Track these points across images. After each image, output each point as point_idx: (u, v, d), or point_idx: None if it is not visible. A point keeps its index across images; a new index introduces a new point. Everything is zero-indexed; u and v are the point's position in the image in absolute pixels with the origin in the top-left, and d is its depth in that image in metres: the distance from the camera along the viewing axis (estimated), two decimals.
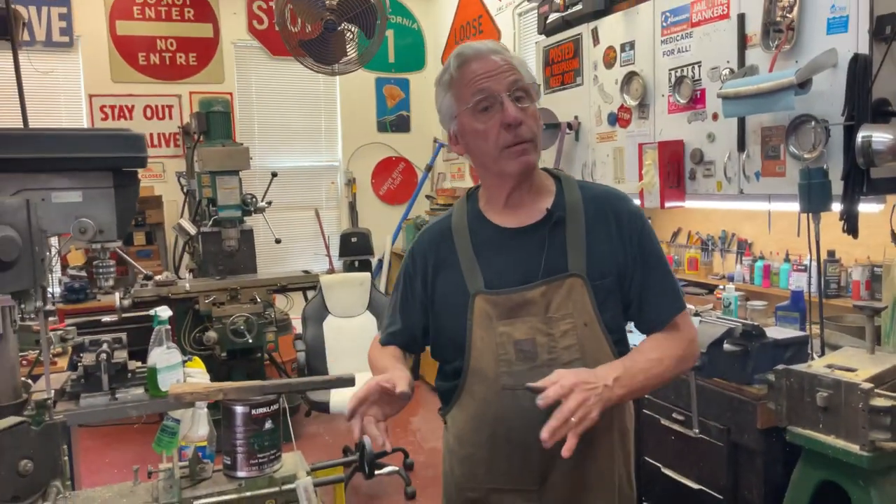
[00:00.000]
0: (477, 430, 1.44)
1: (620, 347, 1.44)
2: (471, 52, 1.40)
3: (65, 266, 5.22)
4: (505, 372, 1.39)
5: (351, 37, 3.88)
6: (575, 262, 1.40)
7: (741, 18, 2.59)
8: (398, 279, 1.60)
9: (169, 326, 2.29)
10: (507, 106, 1.35)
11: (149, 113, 6.08)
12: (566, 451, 1.18)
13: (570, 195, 1.47)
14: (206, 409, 2.25)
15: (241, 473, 1.74)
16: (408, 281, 1.56)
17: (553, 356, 1.37)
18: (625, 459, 1.48)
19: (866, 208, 2.33)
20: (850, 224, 2.22)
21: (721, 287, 3.13)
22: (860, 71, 2.15)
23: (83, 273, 5.10)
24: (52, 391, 2.18)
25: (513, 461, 1.41)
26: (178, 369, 2.27)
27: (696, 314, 2.90)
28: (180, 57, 6.13)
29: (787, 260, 2.99)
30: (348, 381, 1.76)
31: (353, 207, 6.72)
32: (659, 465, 2.58)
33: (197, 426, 2.27)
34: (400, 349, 1.60)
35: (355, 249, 6.03)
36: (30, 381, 2.07)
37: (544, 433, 1.19)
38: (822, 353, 2.20)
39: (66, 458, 1.42)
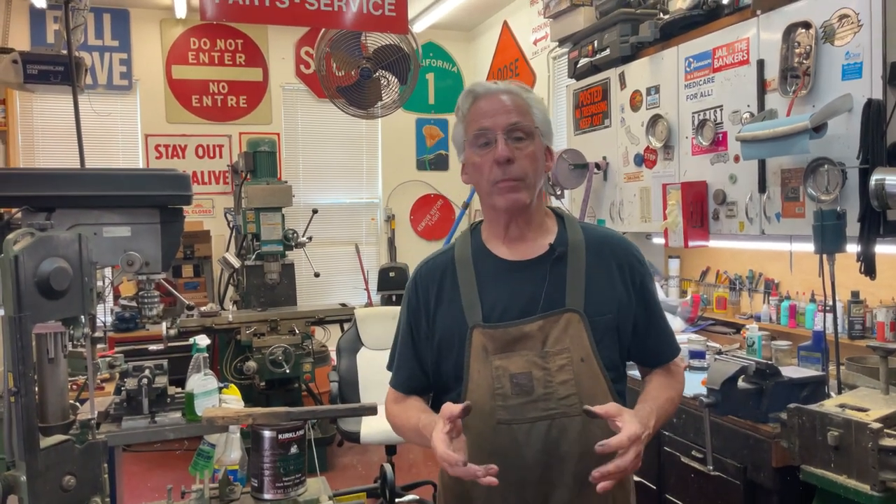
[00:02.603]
0: (474, 464, 1.40)
1: (618, 385, 1.47)
2: (481, 91, 1.48)
3: (117, 297, 5.47)
4: (500, 406, 1.41)
5: (386, 83, 4.08)
6: (573, 298, 1.44)
7: (760, 64, 2.66)
8: (401, 315, 1.60)
9: (206, 354, 2.42)
10: (498, 143, 1.42)
11: (200, 152, 6.37)
12: (601, 489, 1.24)
13: (572, 233, 1.52)
14: (238, 435, 2.37)
15: (267, 496, 1.83)
16: (412, 315, 1.56)
17: (549, 390, 1.40)
18: (623, 497, 1.50)
19: (886, 250, 2.35)
20: (867, 265, 2.24)
21: (748, 327, 3.13)
22: (874, 115, 2.19)
23: (134, 303, 5.32)
24: (96, 413, 2.33)
25: (508, 497, 1.41)
26: (213, 395, 2.39)
27: (721, 353, 2.93)
28: (231, 99, 6.43)
29: (812, 300, 2.99)
30: (371, 410, 1.84)
31: (391, 243, 6.89)
32: (679, 502, 2.58)
33: (230, 451, 2.39)
34: (421, 397, 1.60)
35: (394, 284, 6.15)
36: (78, 403, 2.22)
37: (596, 474, 1.23)
38: (840, 393, 2.20)
39: (107, 475, 1.51)
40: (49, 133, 5.86)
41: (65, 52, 3.14)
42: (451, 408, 1.30)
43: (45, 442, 1.28)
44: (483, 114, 1.45)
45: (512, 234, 1.51)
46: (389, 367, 1.65)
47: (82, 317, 1.39)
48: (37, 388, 1.80)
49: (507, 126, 1.43)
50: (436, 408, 1.54)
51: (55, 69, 3.35)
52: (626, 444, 1.24)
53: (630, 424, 1.26)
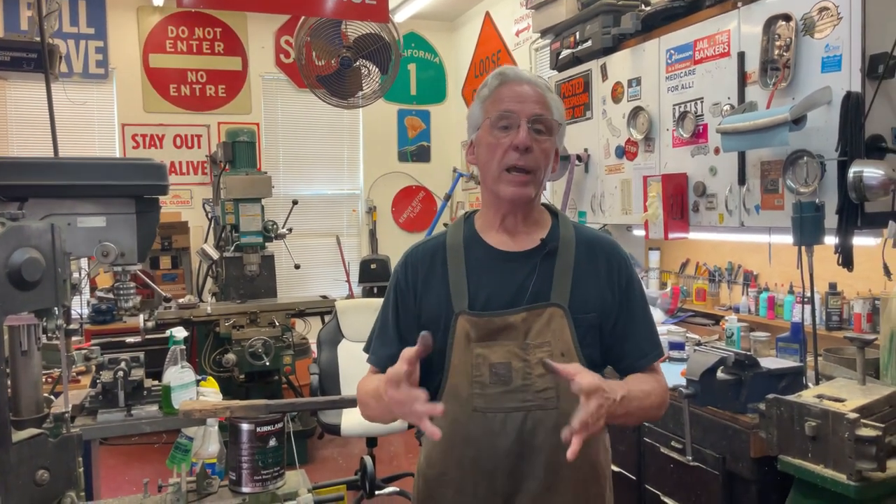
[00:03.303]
0: (446, 451, 1.46)
1: None
2: (511, 75, 1.48)
3: (93, 289, 5.40)
4: (478, 394, 1.41)
5: (367, 72, 4.05)
6: (559, 294, 1.44)
7: (741, 56, 2.67)
8: (388, 295, 1.59)
9: (184, 346, 2.39)
10: (521, 130, 1.42)
11: (178, 142, 6.30)
12: (571, 455, 1.21)
13: (564, 231, 1.52)
14: (216, 428, 2.34)
15: (245, 489, 1.81)
16: (399, 296, 1.55)
17: (527, 382, 1.40)
18: (597, 492, 1.49)
19: (863, 242, 2.37)
20: (845, 257, 2.26)
21: (727, 318, 3.16)
22: (853, 108, 2.20)
23: (110, 295, 5.25)
24: (71, 406, 2.29)
25: (479, 485, 1.43)
26: (191, 388, 2.36)
27: (700, 344, 2.95)
28: (210, 88, 6.35)
29: (790, 292, 3.02)
30: (350, 402, 1.83)
31: (373, 235, 6.86)
32: (659, 493, 2.60)
33: (208, 444, 2.36)
34: None
35: (375, 276, 6.14)
36: (52, 396, 2.18)
37: (566, 433, 1.21)
38: (818, 384, 2.23)
39: (81, 469, 1.49)
40: (23, 122, 5.76)
41: (38, 39, 3.07)
42: (407, 351, 1.29)
43: (18, 436, 1.26)
44: (510, 97, 1.45)
45: (507, 225, 1.51)
46: (367, 349, 1.63)
47: (56, 308, 1.36)
48: (9, 382, 1.77)
49: (533, 116, 1.44)
50: None
51: (28, 56, 3.28)
52: (583, 386, 1.23)
53: (588, 375, 1.26)
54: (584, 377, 1.26)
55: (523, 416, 1.40)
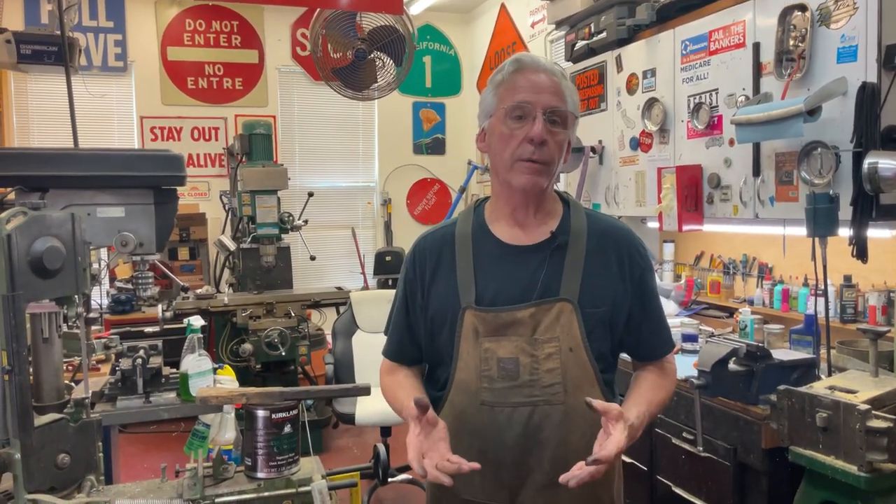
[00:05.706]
0: (455, 441, 1.44)
1: (606, 376, 1.47)
2: (528, 62, 1.44)
3: (113, 279, 5.48)
4: (486, 388, 1.43)
5: (381, 64, 4.07)
6: (568, 288, 1.42)
7: (756, 47, 2.65)
8: (400, 284, 1.60)
9: (201, 335, 2.43)
10: (537, 122, 1.38)
11: (196, 134, 6.35)
12: (573, 483, 1.23)
13: (576, 221, 1.50)
14: (233, 415, 2.38)
15: (260, 474, 1.84)
16: (408, 286, 1.56)
17: (535, 377, 1.41)
18: (605, 484, 1.49)
19: (878, 233, 2.36)
20: (860, 249, 2.25)
21: (741, 310, 3.15)
22: (868, 99, 2.19)
23: (129, 286, 5.34)
24: (91, 393, 2.34)
25: (486, 476, 1.42)
26: (208, 375, 2.40)
27: (713, 336, 2.95)
28: (227, 81, 6.40)
29: (805, 284, 3.01)
30: (363, 391, 1.86)
31: (388, 227, 6.89)
32: (670, 484, 2.61)
33: (224, 431, 2.41)
34: (412, 368, 1.62)
35: (390, 268, 6.17)
36: (73, 384, 2.22)
37: (564, 477, 1.23)
38: (830, 376, 2.22)
39: (101, 454, 1.52)
40: (44, 114, 5.84)
41: (58, 32, 3.12)
42: (412, 410, 1.32)
43: (40, 420, 1.29)
44: (526, 87, 1.41)
45: (518, 216, 1.49)
46: (386, 332, 1.66)
47: (76, 296, 1.39)
48: (31, 368, 1.81)
49: (549, 107, 1.40)
50: (431, 380, 1.58)
51: (49, 49, 3.34)
52: (612, 460, 1.24)
53: (618, 439, 1.25)
54: (615, 437, 1.25)
55: (530, 411, 1.42)
